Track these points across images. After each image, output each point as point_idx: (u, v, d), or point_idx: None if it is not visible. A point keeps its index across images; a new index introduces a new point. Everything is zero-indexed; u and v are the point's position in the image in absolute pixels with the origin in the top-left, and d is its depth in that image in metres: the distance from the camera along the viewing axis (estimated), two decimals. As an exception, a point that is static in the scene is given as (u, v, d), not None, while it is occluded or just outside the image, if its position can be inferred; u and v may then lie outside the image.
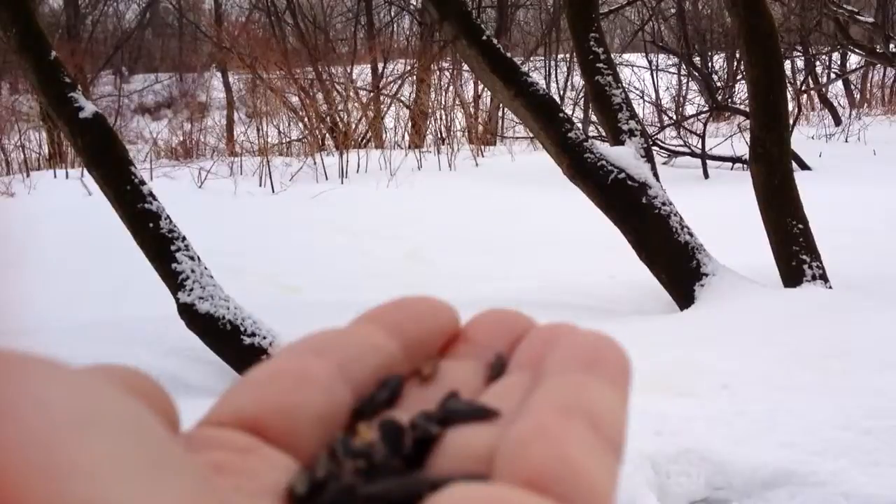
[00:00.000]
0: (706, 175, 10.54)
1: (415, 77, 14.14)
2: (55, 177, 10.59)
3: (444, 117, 13.64)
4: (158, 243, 4.37)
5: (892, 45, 12.88)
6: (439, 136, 13.27)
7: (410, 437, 0.31)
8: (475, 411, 0.32)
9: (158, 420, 0.26)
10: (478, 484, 0.26)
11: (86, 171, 8.13)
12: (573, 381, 0.30)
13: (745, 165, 10.09)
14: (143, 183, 4.48)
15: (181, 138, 14.31)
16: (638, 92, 14.32)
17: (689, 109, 14.95)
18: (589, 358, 0.32)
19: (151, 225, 4.36)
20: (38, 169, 12.32)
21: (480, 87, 13.90)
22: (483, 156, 12.13)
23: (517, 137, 13.86)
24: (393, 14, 19.30)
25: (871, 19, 13.02)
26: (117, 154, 4.51)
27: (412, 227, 7.77)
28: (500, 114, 14.81)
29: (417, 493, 0.27)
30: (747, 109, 9.88)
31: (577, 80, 16.10)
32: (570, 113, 5.32)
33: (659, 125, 13.03)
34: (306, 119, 12.92)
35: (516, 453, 0.27)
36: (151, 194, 4.45)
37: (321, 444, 0.31)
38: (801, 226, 4.96)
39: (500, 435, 0.29)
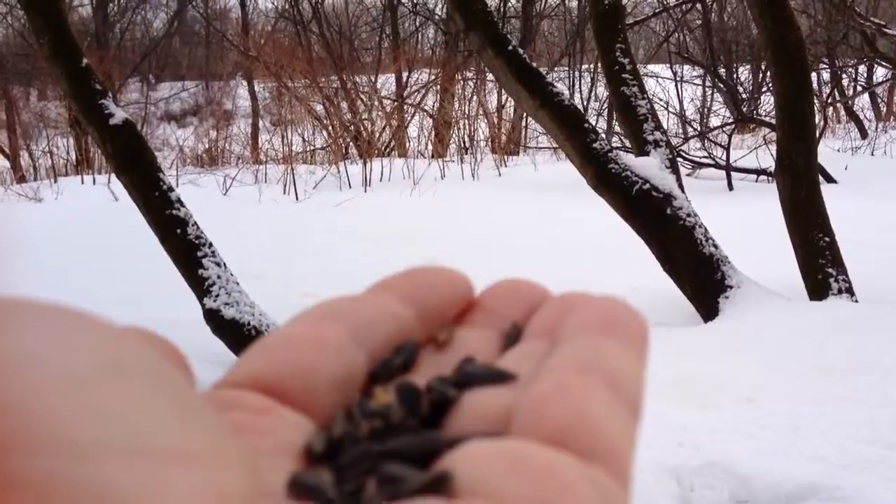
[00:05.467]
0: (731, 187, 10.48)
1: (438, 87, 14.17)
2: (82, 183, 10.69)
3: (467, 127, 13.67)
4: (186, 249, 4.41)
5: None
6: (462, 145, 13.29)
7: (427, 400, 0.31)
8: (492, 374, 0.32)
9: (178, 371, 0.26)
10: (496, 440, 0.27)
11: (113, 177, 8.22)
12: (591, 343, 0.31)
13: (769, 178, 10.03)
14: (171, 189, 4.52)
15: (207, 146, 14.42)
16: (662, 103, 14.28)
17: (714, 121, 14.89)
18: (606, 321, 0.32)
19: (179, 231, 4.40)
20: (65, 175, 12.45)
21: (504, 96, 13.92)
22: (506, 165, 12.13)
23: (540, 147, 13.86)
24: (418, 24, 19.38)
25: (898, 32, 12.91)
26: (146, 160, 4.56)
27: (435, 236, 7.78)
28: (523, 124, 14.81)
29: (435, 451, 0.27)
30: (773, 121, 9.84)
31: (601, 90, 16.09)
32: (593, 124, 5.32)
33: (683, 136, 12.98)
34: (330, 128, 12.99)
35: (535, 410, 0.27)
36: (179, 200, 4.49)
37: (337, 406, 0.31)
38: (827, 238, 4.93)
39: (517, 397, 0.29)
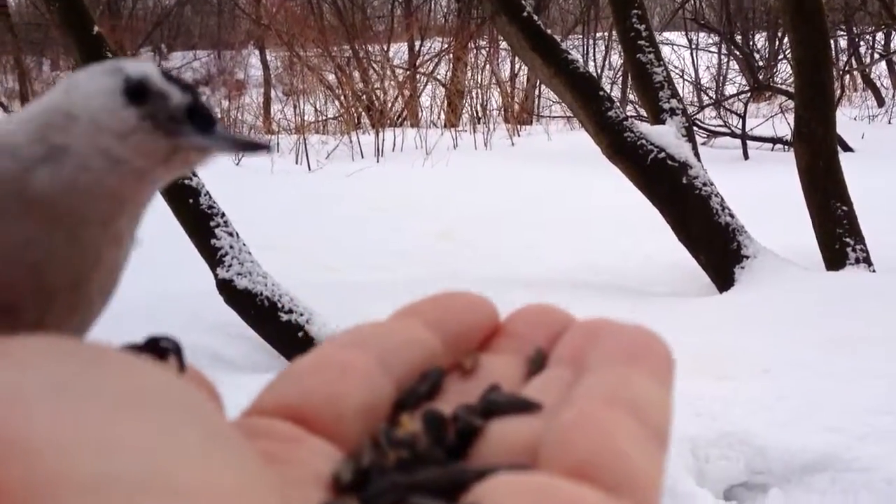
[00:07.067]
0: (746, 156, 10.40)
1: (451, 55, 14.07)
2: (95, 153, 10.70)
3: (480, 96, 13.58)
4: (198, 219, 4.40)
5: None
6: (475, 114, 13.22)
7: (453, 429, 0.31)
8: (517, 403, 0.32)
9: (208, 402, 0.27)
10: (523, 473, 0.27)
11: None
12: (617, 373, 0.31)
13: (785, 146, 9.95)
14: (182, 159, 4.50)
15: (219, 116, 14.37)
16: (678, 71, 14.14)
17: (730, 89, 14.75)
18: (632, 351, 0.32)
19: (191, 201, 4.39)
20: (78, 145, 12.45)
21: (517, 65, 13.82)
22: (519, 135, 12.07)
23: (554, 117, 13.78)
24: (430, -8, 19.20)
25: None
26: (157, 130, 4.53)
27: (447, 206, 7.76)
28: (536, 92, 14.71)
29: (462, 483, 0.27)
30: (790, 89, 9.74)
31: (615, 58, 15.95)
32: (608, 92, 5.26)
33: (698, 105, 12.87)
34: (343, 97, 12.93)
35: (561, 442, 0.27)
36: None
37: (364, 434, 0.31)
38: (845, 208, 4.88)
39: (543, 427, 0.29)
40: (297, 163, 9.90)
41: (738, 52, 14.57)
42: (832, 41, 13.86)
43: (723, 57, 15.96)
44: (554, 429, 0.28)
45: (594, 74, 6.45)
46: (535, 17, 5.15)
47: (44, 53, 17.60)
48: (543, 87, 11.60)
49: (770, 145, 10.87)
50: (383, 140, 10.57)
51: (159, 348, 0.41)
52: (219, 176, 7.31)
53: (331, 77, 13.08)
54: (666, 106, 5.17)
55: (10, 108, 14.36)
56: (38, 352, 0.25)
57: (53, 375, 0.24)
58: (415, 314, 0.37)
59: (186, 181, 4.40)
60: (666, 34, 15.96)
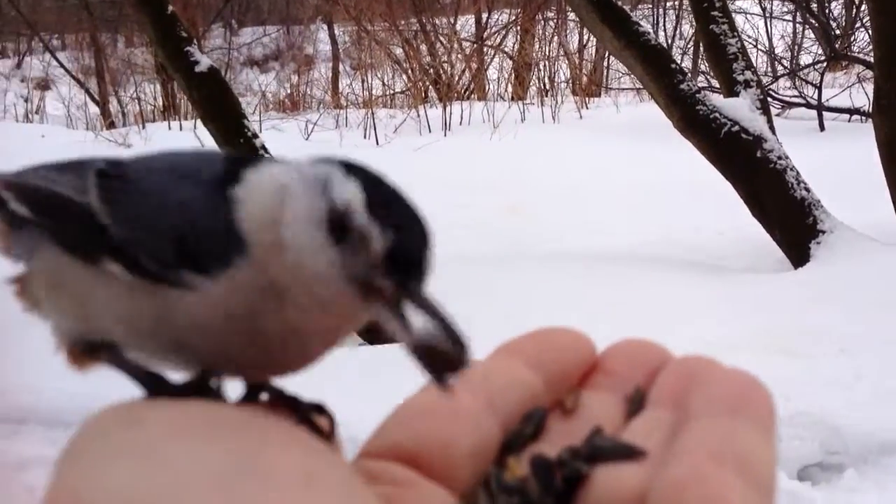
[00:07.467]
0: (822, 127, 10.12)
1: (519, 27, 13.95)
2: (169, 128, 10.91)
3: (547, 68, 13.45)
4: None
5: None
6: (543, 87, 13.10)
7: (560, 474, 0.32)
8: (622, 450, 0.32)
9: (360, 478, 0.28)
10: None
11: (198, 123, 8.36)
12: (723, 426, 0.31)
13: (863, 117, 9.66)
14: (255, 136, 4.57)
15: (288, 91, 14.52)
16: (751, 41, 13.80)
17: (805, 59, 14.34)
18: (735, 399, 0.32)
19: (263, 177, 4.46)
20: (153, 121, 12.72)
21: (586, 36, 13.64)
22: (587, 108, 11.93)
23: (623, 89, 13.58)
24: (497, -37, 19.03)
25: None
26: (231, 107, 4.61)
27: (515, 180, 7.73)
28: (605, 64, 14.51)
29: None
30: (868, 59, 9.43)
31: (686, 28, 15.63)
32: (679, 64, 5.18)
33: (773, 75, 12.55)
34: (410, 71, 12.94)
35: (672, 498, 0.28)
36: (264, 147, 4.55)
37: (473, 476, 0.32)
38: (926, 182, 4.74)
39: (649, 475, 0.30)
40: (365, 137, 9.96)
41: (813, 21, 14.14)
42: (915, 7, 13.34)
43: (798, 25, 15.51)
44: (664, 483, 0.28)
45: (665, 45, 6.35)
46: (606, -11, 5.08)
47: (118, 31, 17.94)
48: (612, 58, 11.44)
49: (847, 116, 10.56)
50: (450, 114, 10.56)
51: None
52: (289, 151, 7.39)
53: (398, 51, 13.09)
54: (740, 78, 5.06)
55: (87, 84, 14.71)
56: (217, 427, 0.26)
57: (230, 460, 0.25)
58: (515, 353, 0.38)
59: (259, 157, 4.46)
60: (739, 3, 15.57)
